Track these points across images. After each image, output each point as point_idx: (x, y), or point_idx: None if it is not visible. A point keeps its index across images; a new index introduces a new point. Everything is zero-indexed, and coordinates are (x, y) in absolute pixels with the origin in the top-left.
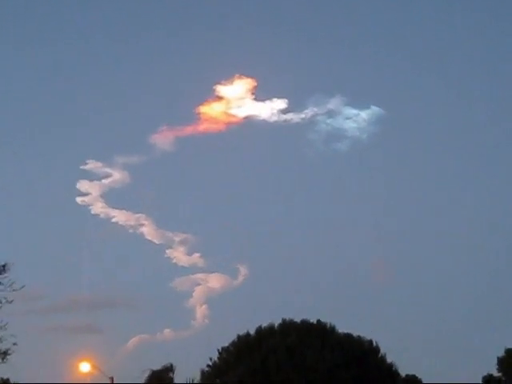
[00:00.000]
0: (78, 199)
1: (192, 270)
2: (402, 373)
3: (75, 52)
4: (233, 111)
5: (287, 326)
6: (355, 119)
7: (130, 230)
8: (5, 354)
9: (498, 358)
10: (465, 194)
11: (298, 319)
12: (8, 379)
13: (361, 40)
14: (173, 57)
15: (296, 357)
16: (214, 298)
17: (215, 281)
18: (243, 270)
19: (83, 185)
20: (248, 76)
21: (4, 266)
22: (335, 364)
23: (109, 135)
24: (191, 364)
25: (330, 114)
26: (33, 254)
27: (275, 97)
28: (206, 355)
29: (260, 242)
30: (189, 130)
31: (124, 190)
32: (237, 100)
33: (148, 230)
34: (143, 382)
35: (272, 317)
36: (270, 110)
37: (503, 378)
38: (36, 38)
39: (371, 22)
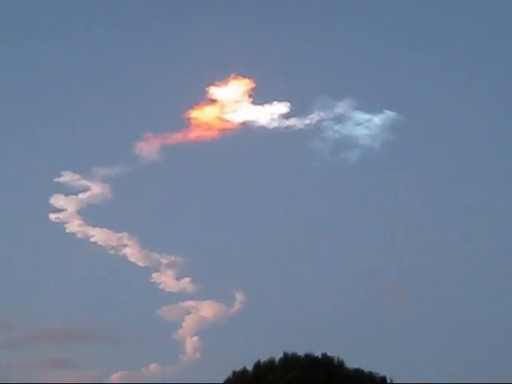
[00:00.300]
0: (52, 216)
1: (181, 296)
2: None
3: (53, 56)
4: (228, 116)
5: (289, 361)
6: (367, 125)
7: (111, 251)
8: None
9: None
10: (489, 208)
11: (301, 353)
12: None
13: (372, 36)
14: (159, 54)
15: None
16: (207, 329)
17: (208, 309)
18: (239, 297)
19: (58, 199)
20: (245, 76)
21: None
22: None
23: (87, 143)
24: None
25: (338, 119)
26: None
27: (276, 100)
28: None
29: (258, 264)
30: (178, 137)
31: (104, 206)
32: (232, 103)
33: (131, 251)
34: None
35: (272, 350)
36: (270, 114)
37: None
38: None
39: (383, 16)
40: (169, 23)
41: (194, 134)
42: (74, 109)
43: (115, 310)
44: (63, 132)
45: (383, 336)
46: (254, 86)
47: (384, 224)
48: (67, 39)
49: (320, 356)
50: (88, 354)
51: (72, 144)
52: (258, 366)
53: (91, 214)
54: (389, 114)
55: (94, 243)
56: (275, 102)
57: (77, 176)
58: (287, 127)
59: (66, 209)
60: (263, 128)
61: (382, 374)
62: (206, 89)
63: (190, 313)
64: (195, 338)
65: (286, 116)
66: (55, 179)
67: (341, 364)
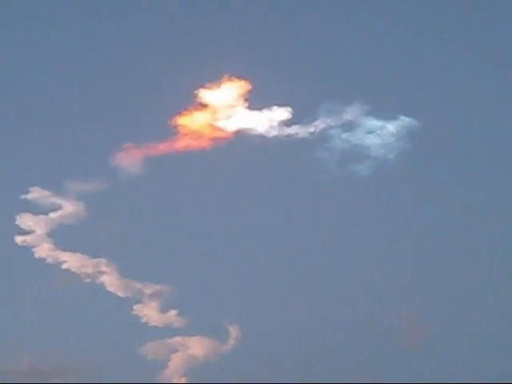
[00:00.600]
0: (18, 238)
1: (167, 331)
2: None
3: (22, 60)
4: (220, 123)
5: None
6: (379, 133)
7: (87, 280)
8: None
9: None
10: None
11: None
12: None
13: (384, 33)
14: (141, 53)
15: None
16: (197, 369)
17: (197, 346)
18: (234, 332)
19: (25, 220)
20: (240, 77)
21: None
22: None
23: (58, 155)
24: None
25: (347, 126)
26: None
27: (275, 104)
28: None
29: (256, 294)
30: (163, 147)
31: (78, 227)
32: (225, 109)
33: (110, 280)
34: None
35: None
36: (269, 121)
37: None
38: None
39: (396, 10)
40: (152, 18)
41: (181, 144)
42: (43, 116)
43: (91, 347)
44: (31, 142)
45: (400, 377)
46: (250, 88)
47: (399, 246)
48: (34, 44)
49: None
50: None
51: (41, 156)
52: None
53: (63, 236)
54: (405, 120)
55: (67, 270)
56: (275, 107)
57: (47, 192)
58: (289, 136)
59: (34, 230)
60: (261, 137)
61: None
62: (196, 92)
63: (177, 350)
64: (183, 380)
65: (288, 123)
66: (22, 196)
67: None
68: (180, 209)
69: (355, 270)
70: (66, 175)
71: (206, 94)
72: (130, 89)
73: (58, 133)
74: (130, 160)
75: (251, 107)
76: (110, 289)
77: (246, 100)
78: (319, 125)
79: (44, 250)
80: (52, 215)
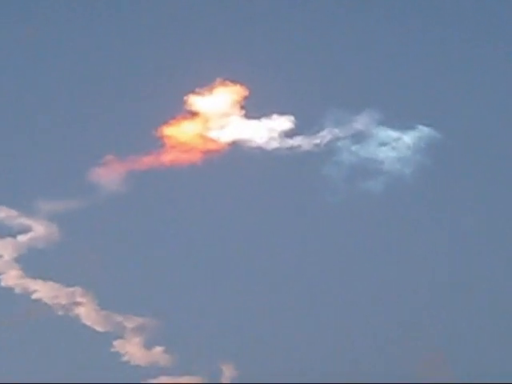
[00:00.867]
0: None
1: (152, 370)
2: None
3: None
4: (213, 134)
5: None
6: (394, 145)
7: (60, 312)
8: None
9: None
10: None
11: None
12: None
13: (399, 33)
14: (122, 53)
15: None
16: None
17: None
18: (228, 371)
19: None
20: (235, 82)
21: None
22: None
23: (28, 170)
24: None
25: (357, 137)
26: None
27: (275, 112)
28: None
29: (253, 328)
30: (147, 161)
31: (50, 252)
32: (219, 117)
33: (87, 312)
34: None
35: None
36: (268, 131)
37: None
38: None
39: (412, 8)
40: (135, 15)
41: (168, 158)
42: (10, 124)
43: None
44: None
45: None
46: (246, 94)
47: (415, 274)
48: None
49: None
50: None
51: (8, 171)
52: None
53: (33, 262)
54: (423, 130)
55: (38, 300)
56: (275, 116)
57: (15, 212)
58: (291, 148)
59: (1, 255)
60: (259, 149)
61: None
62: (185, 98)
63: None
64: None
65: (289, 134)
66: None
67: None
68: (167, 231)
69: (366, 305)
70: (37, 192)
71: (196, 101)
72: (110, 94)
73: (27, 144)
74: (109, 175)
75: (248, 115)
76: (87, 322)
77: (241, 107)
78: (325, 136)
79: (11, 278)
80: (21, 238)
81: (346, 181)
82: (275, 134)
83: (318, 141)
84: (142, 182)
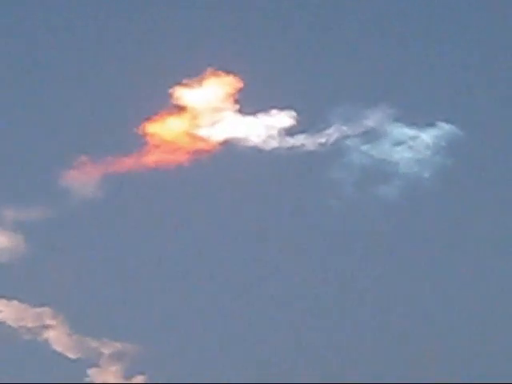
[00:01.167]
0: None
1: None
2: None
3: None
4: (203, 131)
5: None
6: (411, 145)
7: (27, 336)
8: None
9: None
10: None
11: None
12: None
13: (416, 15)
14: (98, 38)
15: None
16: None
17: None
18: None
19: None
20: (228, 71)
21: None
22: None
23: None
24: None
25: (369, 136)
26: None
27: (274, 107)
28: None
29: (247, 352)
30: (127, 162)
31: (15, 267)
32: (209, 112)
33: (57, 336)
34: None
35: None
36: (266, 129)
37: None
38: None
39: None
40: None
41: (151, 159)
42: None
43: None
44: None
45: None
46: (241, 86)
47: (439, 291)
48: None
49: None
50: None
51: None
52: None
53: None
54: (444, 127)
55: (1, 323)
56: (274, 111)
57: None
58: (292, 148)
59: None
60: (256, 149)
61: None
62: (170, 90)
63: None
64: None
65: (291, 131)
66: None
67: None
68: (149, 244)
69: (379, 324)
70: (0, 200)
71: (183, 94)
72: (82, 85)
73: None
74: (83, 179)
75: (243, 111)
76: (58, 348)
77: (235, 101)
78: (332, 134)
79: None
80: None
81: (356, 186)
82: (274, 132)
83: (323, 140)
84: (121, 186)
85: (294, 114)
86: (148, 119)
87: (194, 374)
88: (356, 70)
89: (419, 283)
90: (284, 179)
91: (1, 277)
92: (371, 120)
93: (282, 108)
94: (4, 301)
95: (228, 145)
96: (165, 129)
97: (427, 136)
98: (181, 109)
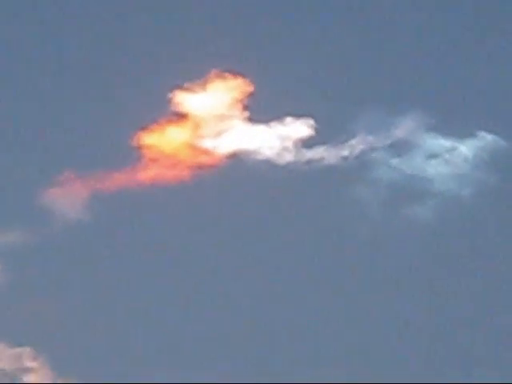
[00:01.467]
0: None
1: None
2: None
3: None
4: (207, 143)
5: None
6: (448, 158)
7: (5, 379)
8: None
9: None
10: None
11: None
12: None
13: (454, 14)
14: (88, 38)
15: None
16: None
17: None
18: None
19: None
20: (236, 74)
21: None
22: None
23: None
24: None
25: (399, 148)
26: None
27: (290, 115)
28: None
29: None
30: (120, 179)
31: None
32: (215, 121)
33: (38, 379)
34: None
35: None
36: (280, 139)
37: None
38: None
39: None
40: None
41: (148, 174)
42: None
43: None
44: None
45: None
46: (251, 90)
47: (473, 321)
48: None
49: None
50: None
51: None
52: None
53: None
54: (485, 138)
55: None
56: (288, 119)
57: None
58: (310, 162)
59: None
60: (268, 163)
61: None
62: (170, 95)
63: None
64: None
65: (309, 143)
66: None
67: None
68: (143, 272)
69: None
70: None
71: (184, 99)
72: (69, 90)
73: None
74: (68, 198)
75: (253, 119)
76: None
77: (244, 108)
78: (356, 146)
79: None
80: None
81: (384, 206)
82: (289, 144)
83: (346, 152)
84: (111, 206)
85: (312, 122)
86: (143, 128)
87: None
88: (384, 71)
89: (460, 322)
90: (301, 198)
91: None
92: (401, 129)
93: (298, 116)
94: None
95: (236, 158)
96: (163, 140)
97: (466, 148)
98: (181, 116)
